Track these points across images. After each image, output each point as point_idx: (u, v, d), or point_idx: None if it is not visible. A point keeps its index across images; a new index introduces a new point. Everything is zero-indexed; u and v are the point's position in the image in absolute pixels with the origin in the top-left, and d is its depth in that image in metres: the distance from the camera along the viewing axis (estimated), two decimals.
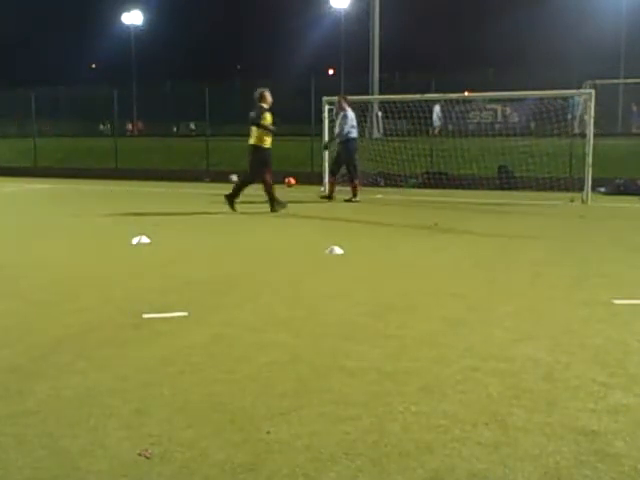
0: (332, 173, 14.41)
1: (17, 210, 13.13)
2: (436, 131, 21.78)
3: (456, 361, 4.30)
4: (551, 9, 55.97)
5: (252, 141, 12.25)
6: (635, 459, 3.04)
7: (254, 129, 12.26)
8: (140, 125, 44.09)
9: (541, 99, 16.48)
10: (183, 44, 74.38)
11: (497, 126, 17.11)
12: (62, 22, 75.83)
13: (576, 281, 6.57)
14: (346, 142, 13.92)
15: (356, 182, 13.98)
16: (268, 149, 12.28)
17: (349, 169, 14.06)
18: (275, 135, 12.42)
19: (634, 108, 31.49)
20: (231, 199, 12.34)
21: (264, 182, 12.22)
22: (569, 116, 16.01)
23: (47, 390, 3.88)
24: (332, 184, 14.28)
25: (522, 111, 15.96)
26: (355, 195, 13.96)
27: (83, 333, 4.99)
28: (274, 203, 12.17)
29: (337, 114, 14.27)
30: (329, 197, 14.21)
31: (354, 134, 14.06)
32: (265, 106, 12.19)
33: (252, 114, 12.29)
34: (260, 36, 76.17)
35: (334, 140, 14.41)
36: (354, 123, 14.03)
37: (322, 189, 15.60)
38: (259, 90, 12.32)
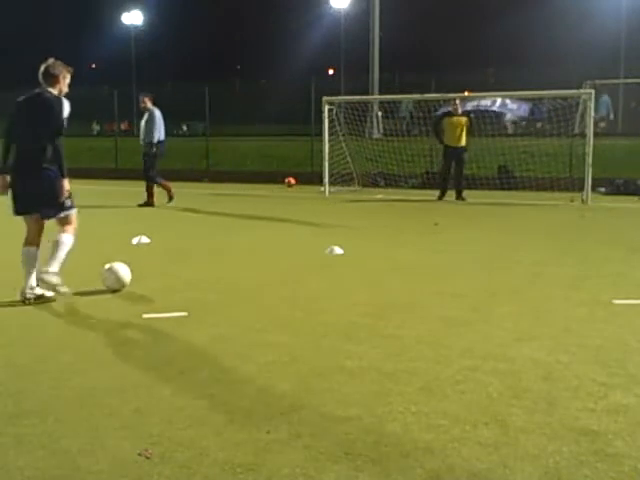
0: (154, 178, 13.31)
1: None
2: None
3: (456, 361, 4.30)
4: (551, 9, 55.98)
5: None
6: (635, 459, 3.04)
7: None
8: (126, 125, 42.71)
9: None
10: (183, 44, 74.40)
11: (494, 108, 17.17)
12: (62, 22, 75.88)
13: (576, 281, 6.57)
14: (154, 144, 12.99)
15: (152, 185, 13.14)
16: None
17: (148, 173, 13.10)
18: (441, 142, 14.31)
19: None
20: (443, 192, 14.18)
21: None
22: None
23: (47, 390, 3.88)
24: (163, 186, 13.29)
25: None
26: (164, 199, 13.07)
27: (83, 333, 4.99)
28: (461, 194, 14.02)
29: (142, 114, 13.32)
30: (170, 198, 13.24)
31: (162, 136, 13.09)
32: (452, 111, 14.16)
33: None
34: (260, 36, 76.15)
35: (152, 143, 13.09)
36: (162, 123, 13.11)
37: (322, 189, 15.61)
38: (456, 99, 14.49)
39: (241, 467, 3.00)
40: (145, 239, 8.91)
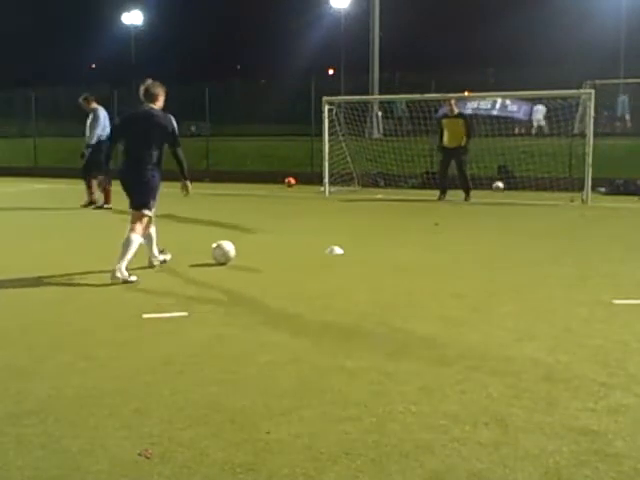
0: (89, 178, 13.03)
1: (16, 210, 13.13)
2: (537, 130, 21.73)
3: (456, 361, 4.30)
4: (551, 9, 55.97)
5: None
6: (635, 459, 3.04)
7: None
8: None
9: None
10: (183, 44, 74.38)
11: (494, 112, 17.17)
12: (62, 22, 75.84)
13: (576, 281, 6.57)
14: (98, 144, 12.57)
15: (109, 187, 12.45)
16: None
17: (98, 173, 12.38)
18: (441, 140, 14.25)
19: None
20: (443, 192, 14.19)
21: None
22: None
23: (47, 390, 3.88)
24: (89, 187, 13.06)
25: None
26: (108, 202, 12.69)
27: (83, 333, 4.99)
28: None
29: (87, 115, 13.12)
30: (91, 203, 13.00)
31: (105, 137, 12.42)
32: (449, 113, 14.25)
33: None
34: (260, 36, 76.17)
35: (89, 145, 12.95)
36: (107, 123, 12.84)
37: (322, 189, 15.61)
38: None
39: (241, 467, 3.00)
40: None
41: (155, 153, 6.75)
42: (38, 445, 3.22)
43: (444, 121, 14.15)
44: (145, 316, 5.37)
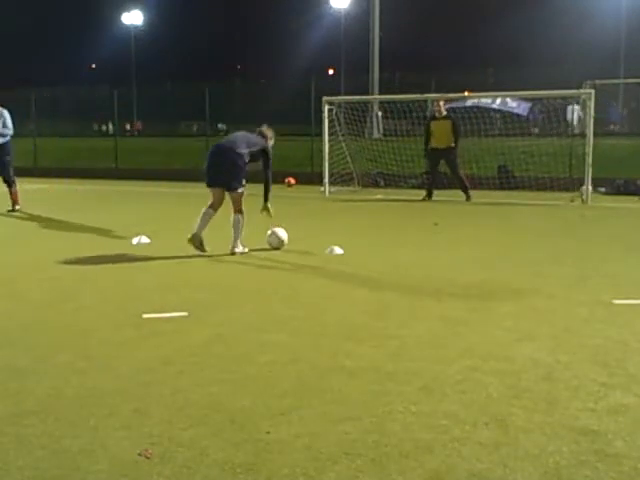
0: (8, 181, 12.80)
1: (16, 210, 13.11)
2: (576, 130, 21.64)
3: (456, 361, 4.30)
4: (551, 9, 56.01)
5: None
6: (635, 459, 3.04)
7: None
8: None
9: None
10: (183, 44, 74.43)
11: (494, 106, 17.16)
12: (62, 22, 75.92)
13: (576, 281, 6.57)
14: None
15: (14, 190, 12.70)
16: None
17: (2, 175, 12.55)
18: (427, 141, 14.14)
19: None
20: (429, 192, 14.15)
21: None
22: None
23: (47, 390, 3.88)
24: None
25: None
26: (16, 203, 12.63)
27: (83, 333, 4.99)
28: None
29: None
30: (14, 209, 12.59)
31: (3, 139, 12.65)
32: (437, 114, 14.19)
33: None
34: (260, 36, 76.22)
35: None
36: (7, 124, 12.65)
37: (322, 189, 15.61)
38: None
39: (241, 467, 3.00)
40: (145, 239, 8.90)
41: (246, 156, 8.31)
42: (38, 445, 3.22)
43: (432, 123, 14.08)
44: (145, 316, 5.37)
